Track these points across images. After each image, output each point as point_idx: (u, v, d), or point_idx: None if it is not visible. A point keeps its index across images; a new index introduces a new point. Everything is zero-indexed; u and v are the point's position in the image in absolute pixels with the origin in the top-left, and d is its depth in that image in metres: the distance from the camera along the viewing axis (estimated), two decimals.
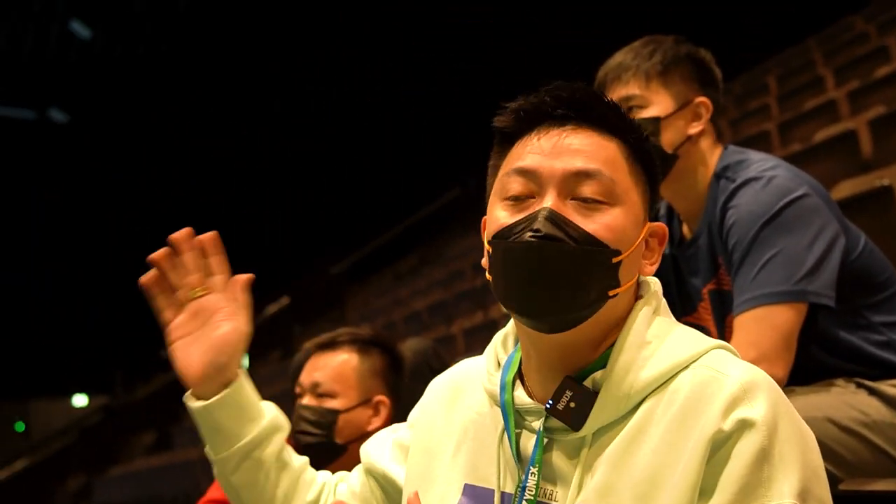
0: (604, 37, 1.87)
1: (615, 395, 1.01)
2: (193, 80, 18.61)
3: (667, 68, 1.77)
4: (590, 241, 1.01)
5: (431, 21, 15.26)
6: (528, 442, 1.06)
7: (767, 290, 1.60)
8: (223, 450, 1.23)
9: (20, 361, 22.56)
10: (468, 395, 1.18)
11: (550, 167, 1.03)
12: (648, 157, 1.09)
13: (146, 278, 1.23)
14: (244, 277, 1.25)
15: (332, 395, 1.98)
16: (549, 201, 1.02)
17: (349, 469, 1.99)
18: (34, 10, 16.14)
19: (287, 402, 2.02)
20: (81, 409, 21.39)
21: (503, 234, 1.03)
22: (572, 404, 1.01)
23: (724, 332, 1.77)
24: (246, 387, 1.24)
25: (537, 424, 1.05)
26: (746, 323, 1.60)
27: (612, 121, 1.06)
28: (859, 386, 1.63)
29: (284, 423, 1.28)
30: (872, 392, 1.61)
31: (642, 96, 1.77)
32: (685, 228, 1.88)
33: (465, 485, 1.11)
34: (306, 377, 2.02)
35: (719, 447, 0.95)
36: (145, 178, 21.14)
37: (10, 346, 22.28)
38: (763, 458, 0.94)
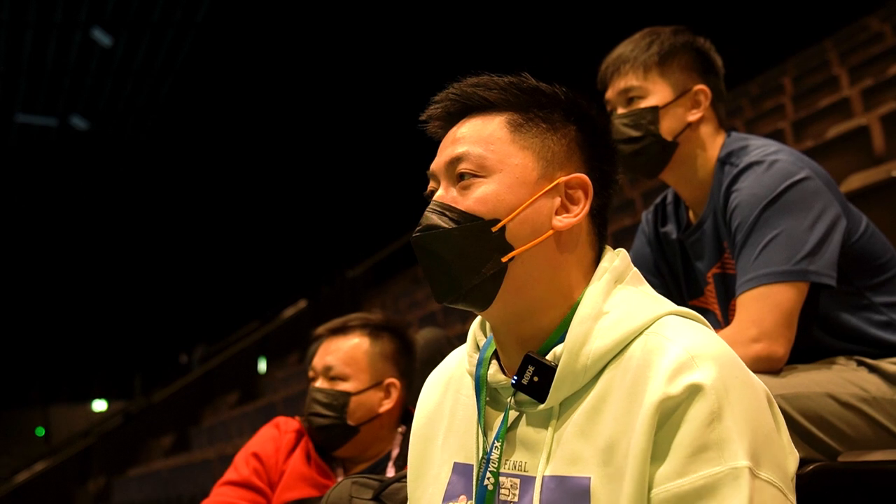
0: (620, 37, 1.91)
1: (573, 367, 1.04)
2: (214, 88, 18.78)
3: (664, 58, 1.81)
4: (465, 218, 1.07)
5: (447, 30, 15.34)
6: (500, 418, 1.10)
7: (769, 269, 1.62)
8: None
9: (40, 368, 22.78)
10: (457, 380, 1.22)
11: (437, 162, 1.13)
12: (566, 113, 1.12)
13: None
14: None
15: (343, 378, 2.02)
16: (438, 193, 1.12)
17: (360, 450, 2.04)
18: (56, 19, 16.35)
19: (304, 403, 2.06)
20: (101, 413, 21.56)
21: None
22: (535, 378, 1.05)
23: (728, 315, 1.80)
24: None
25: (510, 401, 1.09)
26: (748, 302, 1.63)
27: (493, 100, 1.12)
28: (860, 363, 1.65)
29: None
30: (873, 369, 1.64)
31: (641, 87, 1.80)
32: (691, 214, 1.92)
33: (455, 463, 1.15)
34: (319, 361, 2.06)
35: (670, 414, 0.96)
36: (165, 184, 21.32)
37: (30, 352, 22.50)
38: (713, 420, 0.95)
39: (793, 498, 0.98)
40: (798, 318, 1.63)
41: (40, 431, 22.95)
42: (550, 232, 1.08)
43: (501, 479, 1.07)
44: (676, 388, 0.96)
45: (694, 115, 1.81)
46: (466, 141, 1.11)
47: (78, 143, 20.69)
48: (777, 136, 5.21)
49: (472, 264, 1.06)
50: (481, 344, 1.18)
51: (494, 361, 1.14)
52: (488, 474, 1.07)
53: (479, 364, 1.14)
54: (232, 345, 13.40)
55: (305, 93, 18.19)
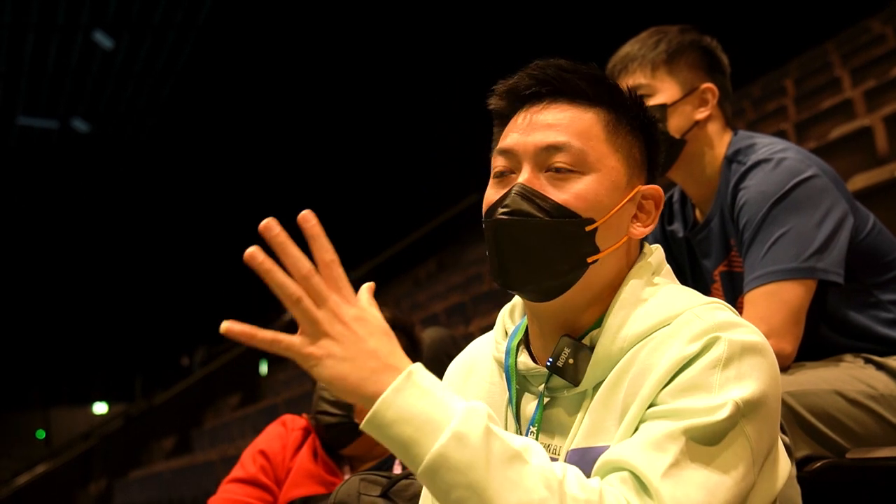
0: (625, 36, 1.92)
1: (608, 350, 1.05)
2: (215, 90, 18.79)
3: (672, 56, 1.82)
4: (560, 212, 1.05)
5: (449, 34, 15.35)
6: (532, 405, 1.11)
7: (777, 266, 1.63)
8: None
9: (41, 370, 22.77)
10: (481, 367, 1.22)
11: (524, 143, 1.09)
12: (642, 122, 1.13)
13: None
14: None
15: None
16: (523, 176, 1.07)
17: (367, 448, 2.04)
18: (58, 21, 16.36)
19: (307, 406, 2.05)
20: (102, 416, 21.55)
21: (487, 213, 1.10)
22: (570, 360, 1.06)
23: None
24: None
25: (541, 388, 1.09)
26: (756, 299, 1.63)
27: (587, 92, 1.10)
28: (867, 361, 1.66)
29: None
30: (880, 367, 1.64)
31: (649, 85, 1.81)
32: (697, 212, 1.92)
33: None
34: None
35: (685, 366, 0.97)
36: (166, 187, 21.33)
37: (30, 355, 22.49)
38: (717, 365, 0.96)
39: (753, 478, 0.96)
40: (806, 315, 1.63)
41: (41, 434, 22.94)
42: (626, 238, 1.10)
43: None
44: (695, 346, 0.97)
45: (702, 114, 1.82)
46: (564, 130, 1.08)
47: (79, 146, 20.70)
48: (780, 137, 5.21)
49: (557, 260, 1.05)
50: (510, 331, 1.18)
51: (524, 349, 1.14)
52: None
53: (507, 354, 1.14)
54: (233, 347, 13.41)
55: (306, 95, 18.20)
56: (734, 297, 1.80)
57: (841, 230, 1.66)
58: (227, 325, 0.91)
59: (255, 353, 12.43)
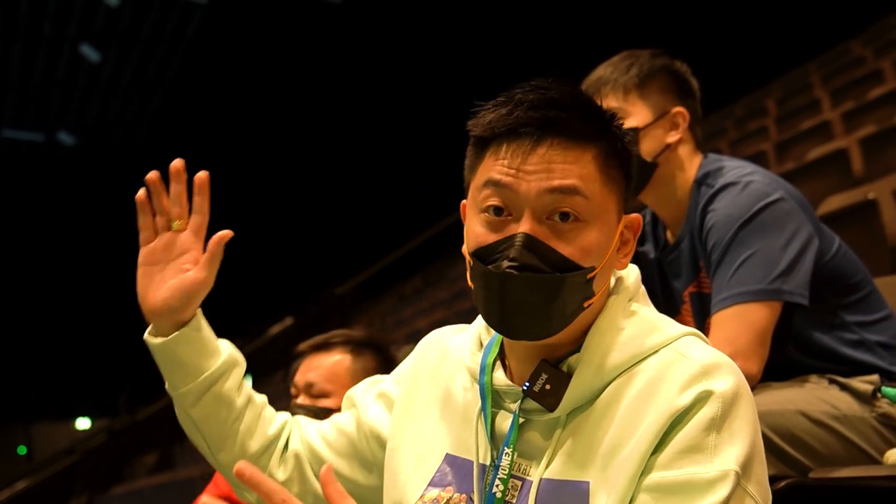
0: (601, 59, 1.95)
1: (587, 377, 1.06)
2: (203, 104, 18.79)
3: (643, 81, 1.84)
4: (566, 266, 1.04)
5: (437, 50, 15.43)
6: (505, 422, 1.11)
7: (744, 288, 1.66)
8: (183, 385, 1.25)
9: (23, 385, 22.56)
10: (454, 365, 1.22)
11: (527, 185, 1.04)
12: (624, 154, 1.11)
13: (139, 195, 1.27)
14: (224, 233, 1.28)
15: (325, 395, 2.03)
16: (524, 225, 1.03)
17: None
18: (45, 33, 16.35)
19: None
20: (84, 431, 21.36)
21: (482, 256, 1.06)
22: (547, 386, 1.06)
23: (705, 334, 1.83)
24: (203, 324, 1.27)
25: (514, 406, 1.10)
26: (723, 320, 1.66)
27: (585, 130, 1.06)
28: (832, 382, 1.69)
29: (241, 359, 1.31)
30: (844, 388, 1.67)
31: (621, 108, 1.83)
32: (668, 234, 1.95)
33: (447, 454, 1.16)
34: (301, 377, 2.07)
35: (680, 420, 0.98)
36: None
37: (12, 369, 22.28)
38: (713, 426, 0.97)
39: None
40: (771, 336, 1.66)
41: (22, 450, 22.70)
42: (611, 271, 1.12)
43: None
44: (688, 397, 0.98)
45: (673, 137, 1.85)
46: (568, 174, 1.04)
47: (65, 159, 20.63)
48: (760, 157, 5.28)
49: (563, 310, 1.05)
50: (485, 342, 1.19)
51: (499, 366, 1.15)
52: (497, 482, 1.07)
53: (482, 371, 1.15)
54: None
55: (294, 108, 18.22)
56: (703, 319, 1.83)
57: (806, 252, 1.69)
58: (240, 466, 0.92)
59: None
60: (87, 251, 21.90)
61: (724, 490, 0.94)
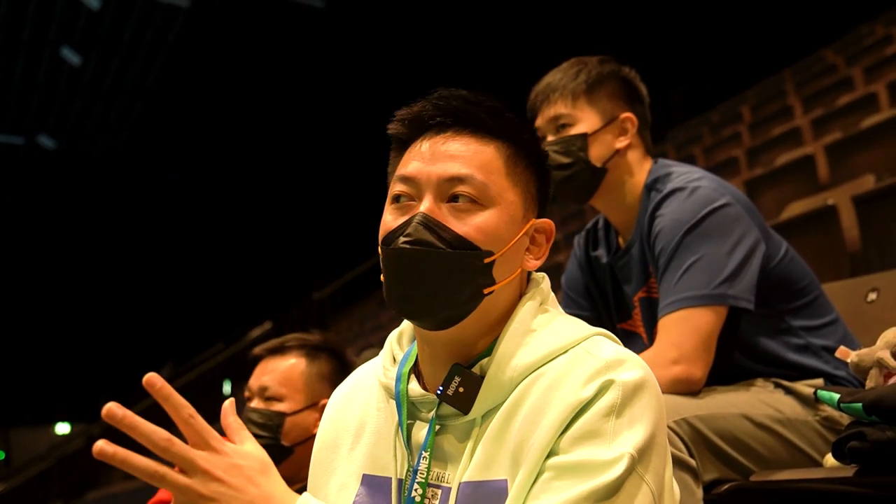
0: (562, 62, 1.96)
1: (499, 379, 1.07)
2: (184, 109, 18.73)
3: (592, 87, 1.86)
4: (461, 244, 1.07)
5: (419, 55, 15.46)
6: (421, 432, 1.12)
7: (689, 293, 1.67)
8: None
9: (1, 390, 22.37)
10: (366, 392, 1.23)
11: (427, 172, 1.09)
12: (536, 156, 1.15)
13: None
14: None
15: (279, 399, 2.02)
16: (424, 205, 1.08)
17: (295, 470, 2.04)
18: (25, 37, 16.25)
19: None
20: (63, 436, 21.19)
21: (386, 240, 1.10)
22: (461, 389, 1.07)
23: (654, 339, 1.84)
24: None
25: (431, 415, 1.11)
26: (669, 325, 1.67)
27: (490, 125, 1.12)
28: (777, 386, 1.70)
29: None
30: (789, 391, 1.69)
31: (570, 115, 1.85)
32: (620, 239, 1.96)
33: (364, 475, 1.16)
34: (255, 381, 2.07)
35: (583, 411, 1.00)
36: (133, 205, 21.17)
37: None
38: (612, 412, 0.99)
39: None
40: (717, 340, 1.67)
41: (0, 455, 22.51)
42: (519, 270, 1.13)
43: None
44: (591, 389, 1.00)
45: (622, 142, 1.86)
46: (466, 163, 1.09)
47: (45, 162, 20.50)
48: (732, 163, 5.32)
49: (454, 290, 1.06)
50: (398, 357, 1.19)
51: (413, 376, 1.15)
52: (416, 486, 1.08)
53: (398, 380, 1.15)
54: (198, 366, 13.29)
55: (275, 113, 18.20)
56: (653, 323, 1.83)
57: (752, 257, 1.71)
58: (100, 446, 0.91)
59: (218, 373, 12.33)
60: (67, 255, 21.76)
61: (618, 469, 0.95)
